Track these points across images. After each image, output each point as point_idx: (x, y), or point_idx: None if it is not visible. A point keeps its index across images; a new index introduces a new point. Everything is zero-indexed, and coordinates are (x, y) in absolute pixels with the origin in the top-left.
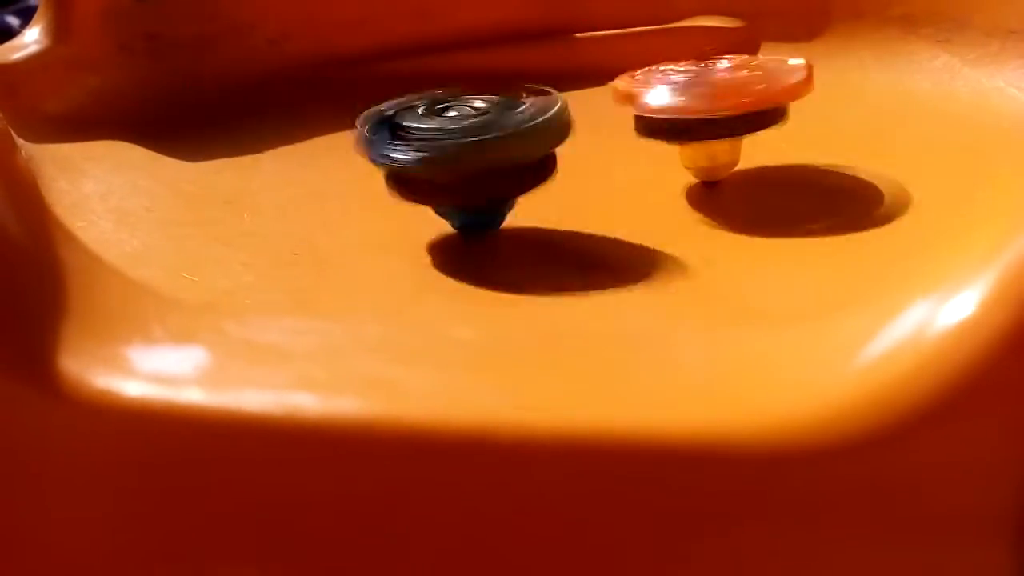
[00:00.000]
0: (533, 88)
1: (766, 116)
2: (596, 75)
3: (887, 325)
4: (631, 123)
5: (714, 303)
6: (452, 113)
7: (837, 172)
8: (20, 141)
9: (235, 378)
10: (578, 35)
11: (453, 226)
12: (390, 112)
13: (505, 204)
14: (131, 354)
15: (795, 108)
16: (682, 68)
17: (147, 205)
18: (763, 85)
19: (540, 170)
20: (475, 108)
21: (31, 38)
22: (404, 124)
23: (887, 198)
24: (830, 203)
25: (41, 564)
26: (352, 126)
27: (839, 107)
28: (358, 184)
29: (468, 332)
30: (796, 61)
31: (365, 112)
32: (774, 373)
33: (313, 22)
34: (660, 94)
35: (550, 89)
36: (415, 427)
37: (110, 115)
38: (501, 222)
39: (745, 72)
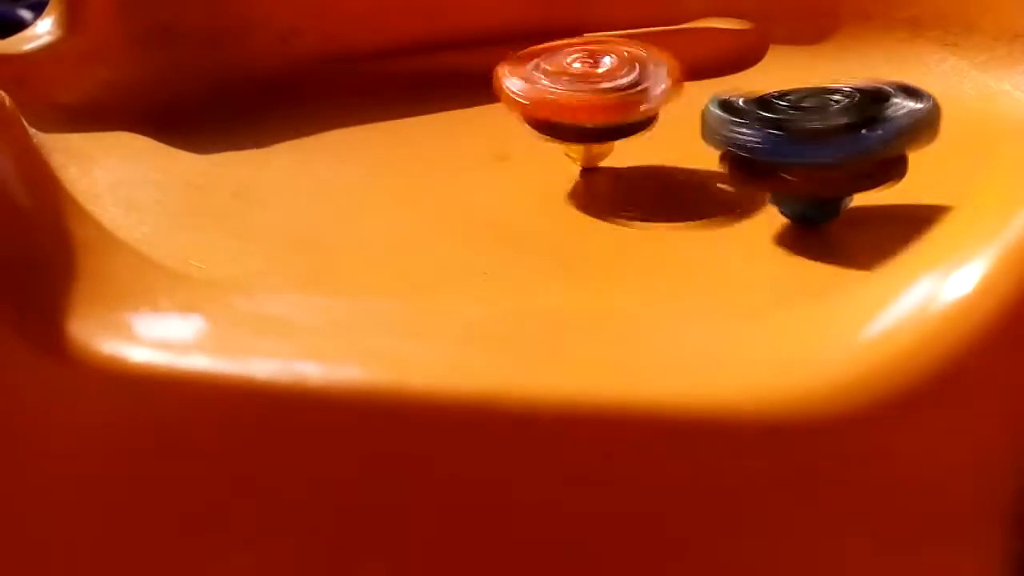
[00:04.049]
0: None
1: (629, 127)
2: None
3: (891, 300)
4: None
5: (719, 281)
6: (811, 103)
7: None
8: (31, 131)
9: (240, 347)
10: (586, 35)
11: (791, 215)
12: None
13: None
14: (138, 322)
15: None
16: (564, 65)
17: (156, 196)
18: (619, 103)
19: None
20: (837, 100)
21: (43, 29)
22: (782, 115)
23: (892, 199)
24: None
25: (45, 527)
26: (360, 122)
27: None
28: (364, 179)
29: (476, 309)
30: (666, 67)
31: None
32: (779, 347)
33: (324, 18)
34: (543, 105)
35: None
36: (419, 397)
37: (121, 107)
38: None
39: (628, 77)
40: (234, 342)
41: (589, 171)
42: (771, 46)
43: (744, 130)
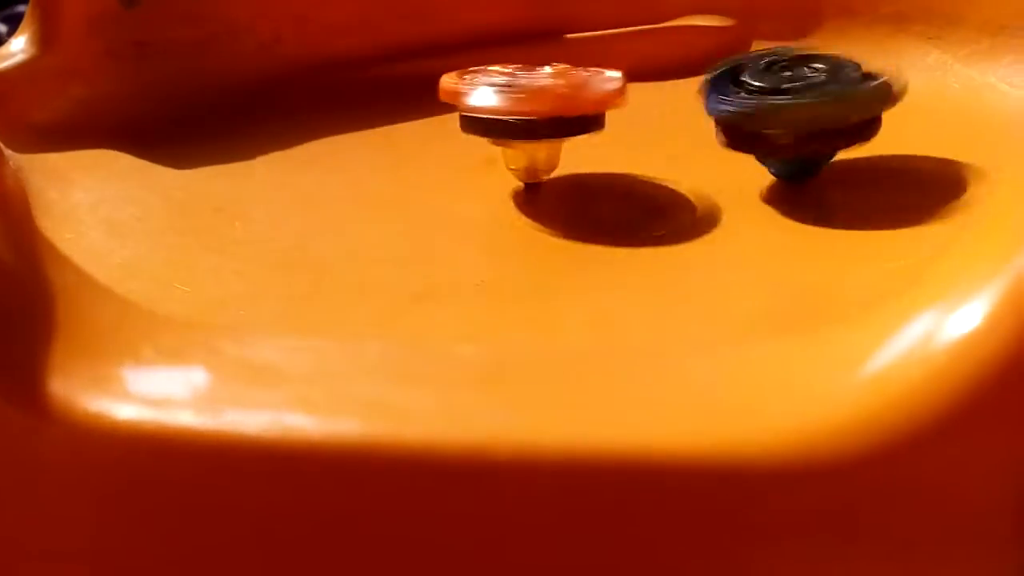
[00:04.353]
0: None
1: (577, 123)
2: None
3: (893, 336)
4: (637, 121)
5: (718, 314)
6: (787, 73)
7: (832, 170)
8: (8, 152)
9: (230, 399)
10: (569, 35)
11: (774, 173)
12: (733, 65)
13: (827, 157)
14: (122, 375)
15: None
16: (507, 71)
17: (137, 214)
18: (571, 92)
19: (866, 129)
20: (811, 69)
21: (18, 47)
22: (743, 79)
23: (884, 197)
24: (834, 203)
25: None
26: (345, 130)
27: None
28: (351, 190)
29: (468, 349)
30: (614, 74)
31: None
32: (781, 386)
33: (306, 25)
34: (479, 95)
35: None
36: (415, 448)
37: (99, 124)
38: (820, 171)
39: (561, 80)
40: (222, 394)
41: (533, 187)
42: (754, 43)
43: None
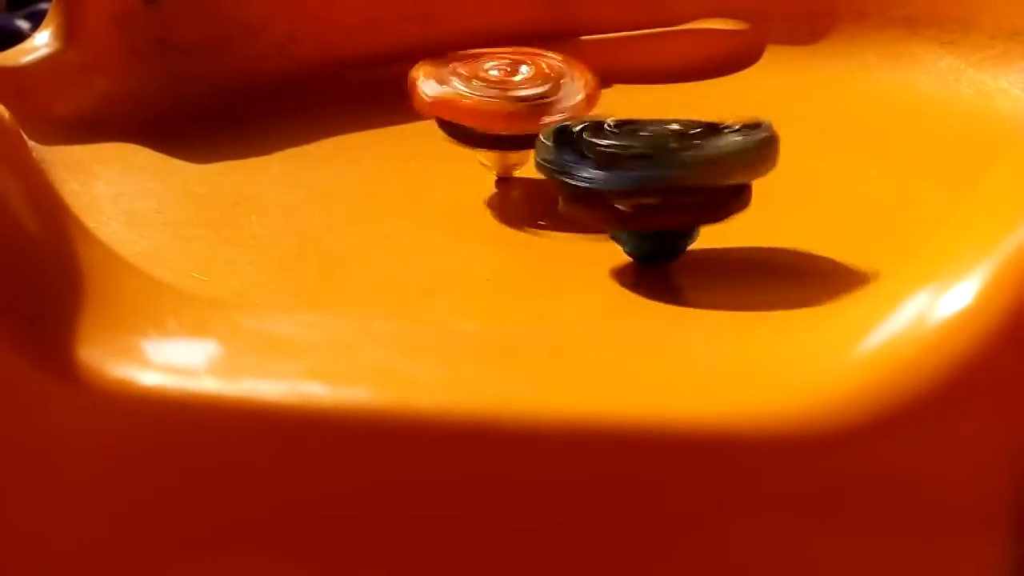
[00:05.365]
0: (743, 119)
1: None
2: (602, 78)
3: (887, 315)
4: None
5: (714, 295)
6: (644, 132)
7: (840, 173)
8: (31, 144)
9: (248, 368)
10: (583, 38)
11: (630, 253)
12: (577, 129)
13: (688, 235)
14: (147, 345)
15: (808, 102)
16: (479, 74)
17: (156, 207)
18: (551, 109)
19: (734, 199)
20: (671, 130)
21: (41, 41)
22: (591, 140)
23: (891, 198)
24: (835, 201)
25: (59, 548)
26: (358, 128)
27: (843, 108)
28: (364, 186)
29: (475, 326)
30: (583, 82)
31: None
32: (777, 362)
33: (321, 25)
34: (451, 108)
35: (760, 120)
36: (424, 416)
37: (120, 118)
38: (681, 252)
39: (541, 88)
40: (242, 364)
41: (505, 180)
42: (768, 46)
43: (563, 157)
